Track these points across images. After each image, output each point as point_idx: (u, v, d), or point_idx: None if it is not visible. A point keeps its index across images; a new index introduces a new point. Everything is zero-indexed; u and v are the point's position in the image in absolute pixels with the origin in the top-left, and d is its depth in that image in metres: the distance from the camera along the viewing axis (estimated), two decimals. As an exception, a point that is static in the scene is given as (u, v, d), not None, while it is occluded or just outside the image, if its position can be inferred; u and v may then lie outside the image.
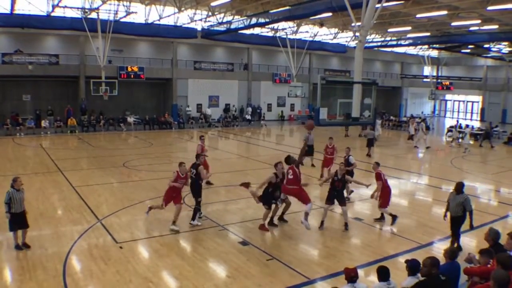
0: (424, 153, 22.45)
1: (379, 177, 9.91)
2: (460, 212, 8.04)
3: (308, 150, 16.77)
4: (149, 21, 28.40)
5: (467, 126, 28.22)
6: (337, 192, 9.55)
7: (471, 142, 24.77)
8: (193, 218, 9.63)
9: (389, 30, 32.82)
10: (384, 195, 9.87)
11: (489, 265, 5.06)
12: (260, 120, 35.80)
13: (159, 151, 20.89)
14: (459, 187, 8.17)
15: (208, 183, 13.18)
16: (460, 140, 25.32)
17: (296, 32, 33.91)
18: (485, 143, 25.04)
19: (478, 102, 48.67)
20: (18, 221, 7.89)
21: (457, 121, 31.71)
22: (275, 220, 9.85)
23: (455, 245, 8.23)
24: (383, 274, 5.16)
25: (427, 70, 48.33)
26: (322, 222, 9.58)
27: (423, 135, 24.00)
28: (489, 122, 30.14)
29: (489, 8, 21.30)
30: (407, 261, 5.31)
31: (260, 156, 20.19)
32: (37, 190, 12.23)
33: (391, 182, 15.47)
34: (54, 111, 28.44)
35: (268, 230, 9.44)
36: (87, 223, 9.68)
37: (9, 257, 7.75)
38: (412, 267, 5.15)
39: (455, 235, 8.24)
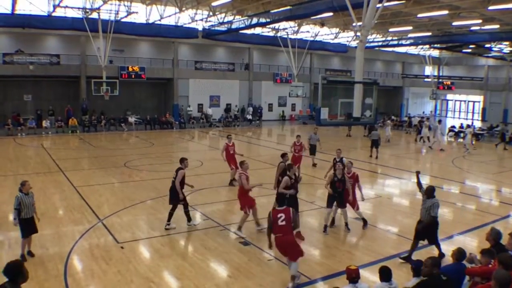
0: (426, 153, 22.41)
1: (356, 178, 9.81)
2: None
3: (310, 150, 16.84)
4: (150, 21, 28.40)
5: (468, 126, 28.11)
6: (338, 194, 9.41)
7: (473, 142, 24.71)
8: (189, 220, 9.50)
9: (390, 30, 32.79)
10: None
11: (490, 265, 5.05)
12: (257, 121, 35.76)
13: (160, 151, 20.90)
14: (430, 192, 7.81)
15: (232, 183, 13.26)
16: (460, 140, 25.17)
17: (297, 32, 33.88)
18: (488, 141, 24.90)
19: (479, 102, 48.62)
20: (29, 227, 7.68)
21: (472, 121, 30.95)
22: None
23: (410, 251, 7.94)
24: (385, 274, 5.17)
25: (428, 70, 48.24)
26: (325, 227, 9.42)
27: (428, 135, 23.89)
28: (503, 122, 29.96)
29: (490, 8, 21.27)
30: (411, 262, 5.30)
31: (261, 156, 20.17)
32: (39, 190, 12.18)
33: (392, 182, 15.70)
34: (55, 111, 28.48)
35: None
36: (88, 223, 9.69)
37: (9, 257, 7.65)
38: (417, 268, 5.15)
39: (434, 241, 7.92)
